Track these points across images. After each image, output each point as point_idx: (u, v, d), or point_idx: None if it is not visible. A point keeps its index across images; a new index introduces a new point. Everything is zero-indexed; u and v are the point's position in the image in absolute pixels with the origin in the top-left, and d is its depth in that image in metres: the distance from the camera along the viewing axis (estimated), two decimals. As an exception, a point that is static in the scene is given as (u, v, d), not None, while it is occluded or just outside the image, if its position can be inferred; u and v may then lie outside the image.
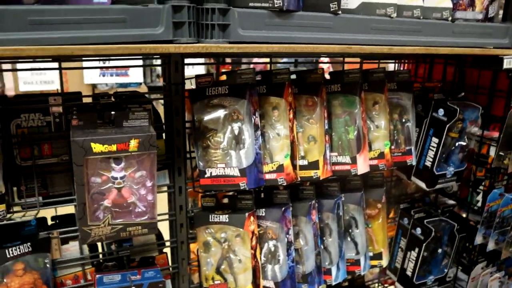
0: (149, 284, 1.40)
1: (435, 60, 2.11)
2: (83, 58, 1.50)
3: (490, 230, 1.73)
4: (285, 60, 3.92)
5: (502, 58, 1.62)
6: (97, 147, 1.18)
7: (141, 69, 4.94)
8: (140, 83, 5.23)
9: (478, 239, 1.77)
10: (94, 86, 5.00)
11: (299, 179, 1.49)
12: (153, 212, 1.33)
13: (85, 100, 1.46)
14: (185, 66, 1.50)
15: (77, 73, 4.72)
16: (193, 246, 1.66)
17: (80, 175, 1.20)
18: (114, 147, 1.21)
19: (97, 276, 1.41)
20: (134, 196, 1.29)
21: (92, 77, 4.92)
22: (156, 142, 1.44)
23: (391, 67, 2.30)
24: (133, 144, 1.22)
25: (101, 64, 3.80)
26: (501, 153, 1.65)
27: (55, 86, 4.61)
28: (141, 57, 1.86)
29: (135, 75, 5.08)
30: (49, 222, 1.52)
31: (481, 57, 1.76)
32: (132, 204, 1.30)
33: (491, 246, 1.74)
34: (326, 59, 3.36)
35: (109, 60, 1.70)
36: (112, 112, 1.26)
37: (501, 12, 1.73)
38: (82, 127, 1.23)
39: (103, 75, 4.93)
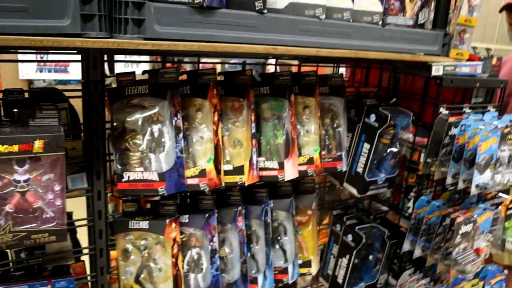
0: (58, 295, 1.31)
1: (372, 66, 2.12)
2: (18, 51, 1.38)
3: (417, 237, 1.74)
4: (235, 61, 3.87)
5: (431, 65, 1.63)
6: (-5, 148, 1.08)
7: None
8: (80, 81, 4.98)
9: (406, 246, 1.78)
10: (30, 82, 4.69)
11: (223, 184, 1.44)
12: (62, 218, 1.23)
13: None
14: (124, 64, 1.42)
15: (11, 67, 4.44)
16: (113, 254, 1.57)
17: (-25, 178, 1.09)
18: (15, 148, 1.10)
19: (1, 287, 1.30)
20: (41, 201, 1.19)
21: (28, 72, 4.59)
22: (71, 143, 1.36)
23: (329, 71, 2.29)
24: (38, 145, 1.12)
25: (37, 58, 3.58)
26: (428, 160, 1.66)
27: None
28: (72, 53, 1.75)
29: (75, 72, 4.79)
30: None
31: (413, 63, 1.77)
32: (39, 210, 1.20)
33: (417, 253, 1.75)
34: (273, 61, 3.34)
35: (46, 54, 1.58)
36: (15, 110, 1.16)
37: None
38: (-19, 125, 1.13)
39: (40, 71, 4.64)
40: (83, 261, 1.54)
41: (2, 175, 1.13)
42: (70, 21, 1.03)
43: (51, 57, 4.56)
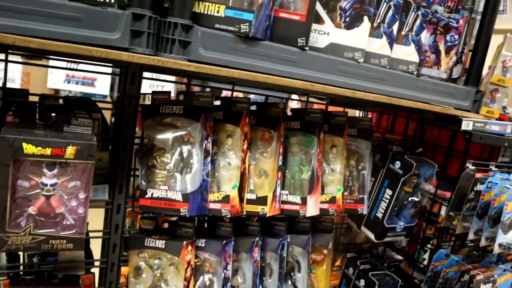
0: (66, 305, 1.29)
1: (399, 113, 2.13)
2: (51, 57, 1.42)
3: (433, 291, 1.70)
4: (260, 92, 3.90)
5: (461, 119, 1.63)
6: (29, 148, 1.09)
7: (108, 81, 4.79)
8: (106, 96, 5.07)
9: (420, 299, 1.74)
10: (56, 91, 4.79)
11: (244, 213, 1.43)
12: (82, 227, 1.22)
13: (31, 99, 1.37)
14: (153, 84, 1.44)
15: (41, 76, 4.54)
16: (124, 270, 1.55)
17: (4, 176, 1.10)
18: (48, 151, 1.11)
19: (10, 288, 1.29)
20: (64, 207, 1.19)
21: (56, 82, 4.70)
22: (98, 153, 1.37)
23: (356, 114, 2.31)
24: (70, 151, 1.14)
25: (65, 67, 3.66)
26: (451, 213, 1.64)
27: (15, 85, 4.44)
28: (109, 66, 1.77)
29: (102, 87, 4.89)
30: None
31: (442, 115, 1.78)
32: (60, 215, 1.20)
33: (432, 307, 1.71)
34: (295, 96, 3.34)
35: (75, 62, 1.61)
36: (53, 114, 1.18)
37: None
38: (17, 125, 1.14)
39: (68, 82, 4.74)
40: (93, 273, 1.53)
41: (30, 176, 1.14)
42: (120, 35, 1.06)
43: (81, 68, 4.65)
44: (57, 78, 4.70)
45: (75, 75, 4.68)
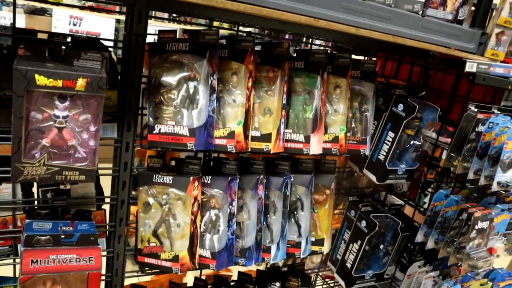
0: (80, 235, 1.35)
1: (403, 59, 2.13)
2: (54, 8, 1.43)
3: (432, 229, 1.75)
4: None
5: (465, 60, 1.64)
6: (41, 80, 1.12)
7: (112, 34, 4.73)
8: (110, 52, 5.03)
9: (419, 237, 1.79)
10: (61, 38, 4.76)
11: (249, 149, 1.47)
12: (93, 159, 1.27)
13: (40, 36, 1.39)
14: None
15: (47, 23, 4.53)
16: (133, 209, 1.61)
17: (19, 107, 1.13)
18: (59, 83, 1.15)
19: (27, 221, 1.35)
20: (76, 140, 1.24)
21: (61, 28, 4.68)
22: (107, 92, 1.40)
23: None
24: (81, 83, 1.17)
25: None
26: (452, 154, 1.67)
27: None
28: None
29: (105, 42, 4.84)
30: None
31: (446, 59, 1.78)
32: (72, 148, 1.24)
33: (430, 244, 1.76)
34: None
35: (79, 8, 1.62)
36: (63, 47, 1.20)
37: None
38: (29, 58, 1.17)
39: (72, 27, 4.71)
40: (104, 209, 1.59)
41: (43, 108, 1.18)
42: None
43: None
44: (62, 24, 4.64)
45: (79, 30, 4.65)
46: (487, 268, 1.84)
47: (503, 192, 1.97)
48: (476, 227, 1.64)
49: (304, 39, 2.16)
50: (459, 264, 1.70)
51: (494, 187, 1.61)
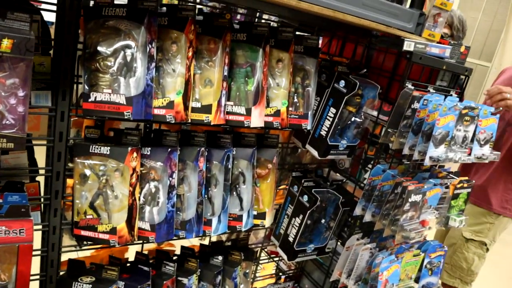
0: (9, 206, 1.29)
1: (349, 37, 2.17)
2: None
3: (369, 203, 1.81)
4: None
5: (403, 39, 1.68)
6: (-39, 39, 1.06)
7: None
8: (53, 23, 4.80)
9: (357, 210, 1.85)
10: None
11: (189, 120, 1.45)
12: (23, 126, 1.21)
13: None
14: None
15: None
16: (69, 182, 1.56)
17: None
18: (-18, 44, 1.08)
19: None
20: (2, 105, 1.18)
21: None
22: (39, 57, 1.34)
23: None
24: (6, 44, 1.11)
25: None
26: (389, 130, 1.73)
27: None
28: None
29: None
30: None
31: (387, 39, 1.83)
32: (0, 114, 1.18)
33: (367, 217, 1.82)
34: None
35: None
36: (-13, 6, 1.13)
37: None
38: (-51, 16, 1.10)
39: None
40: (38, 181, 1.53)
41: (-36, 71, 1.11)
42: None
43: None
44: None
45: None
46: (420, 240, 1.93)
47: (437, 168, 2.06)
48: (410, 200, 1.71)
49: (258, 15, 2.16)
50: (394, 236, 1.76)
51: (427, 162, 1.68)
